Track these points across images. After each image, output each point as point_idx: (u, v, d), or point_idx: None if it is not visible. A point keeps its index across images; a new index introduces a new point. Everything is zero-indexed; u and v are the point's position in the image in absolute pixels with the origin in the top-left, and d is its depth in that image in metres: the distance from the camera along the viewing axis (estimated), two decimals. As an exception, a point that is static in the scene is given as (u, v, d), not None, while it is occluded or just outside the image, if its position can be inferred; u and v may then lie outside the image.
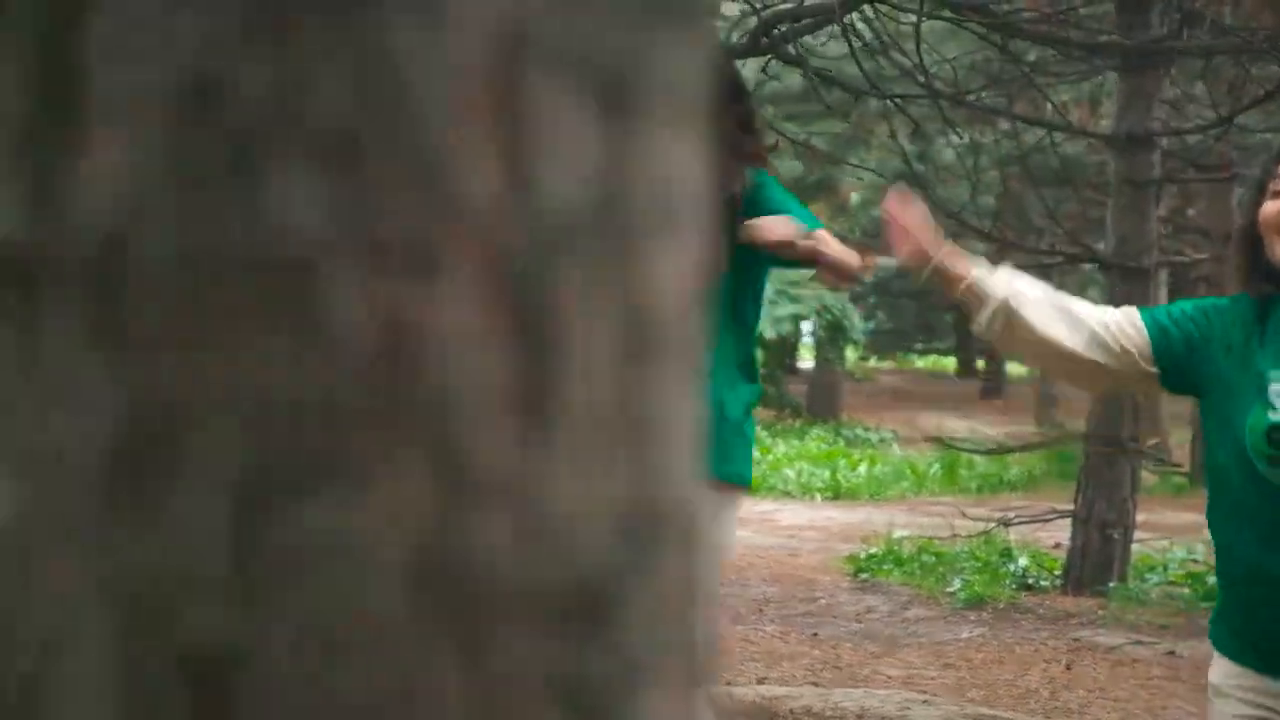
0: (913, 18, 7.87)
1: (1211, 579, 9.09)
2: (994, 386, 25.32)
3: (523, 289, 0.49)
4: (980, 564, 9.75)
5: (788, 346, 21.74)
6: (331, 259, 0.47)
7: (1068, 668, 7.50)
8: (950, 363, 29.83)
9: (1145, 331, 3.28)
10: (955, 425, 18.95)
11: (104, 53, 0.48)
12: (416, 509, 0.48)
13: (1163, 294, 15.31)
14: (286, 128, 0.47)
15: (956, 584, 9.18)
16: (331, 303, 0.47)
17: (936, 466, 15.79)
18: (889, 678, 6.92)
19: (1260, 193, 3.22)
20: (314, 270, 0.47)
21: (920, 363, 31.91)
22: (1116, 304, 3.39)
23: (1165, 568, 10.16)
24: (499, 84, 0.48)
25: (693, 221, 0.53)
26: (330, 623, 0.47)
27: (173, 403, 0.47)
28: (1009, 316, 3.08)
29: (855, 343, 21.79)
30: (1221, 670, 3.34)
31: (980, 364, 26.52)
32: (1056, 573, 9.82)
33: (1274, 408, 3.11)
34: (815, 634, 7.74)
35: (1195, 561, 9.95)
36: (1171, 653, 7.88)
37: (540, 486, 0.49)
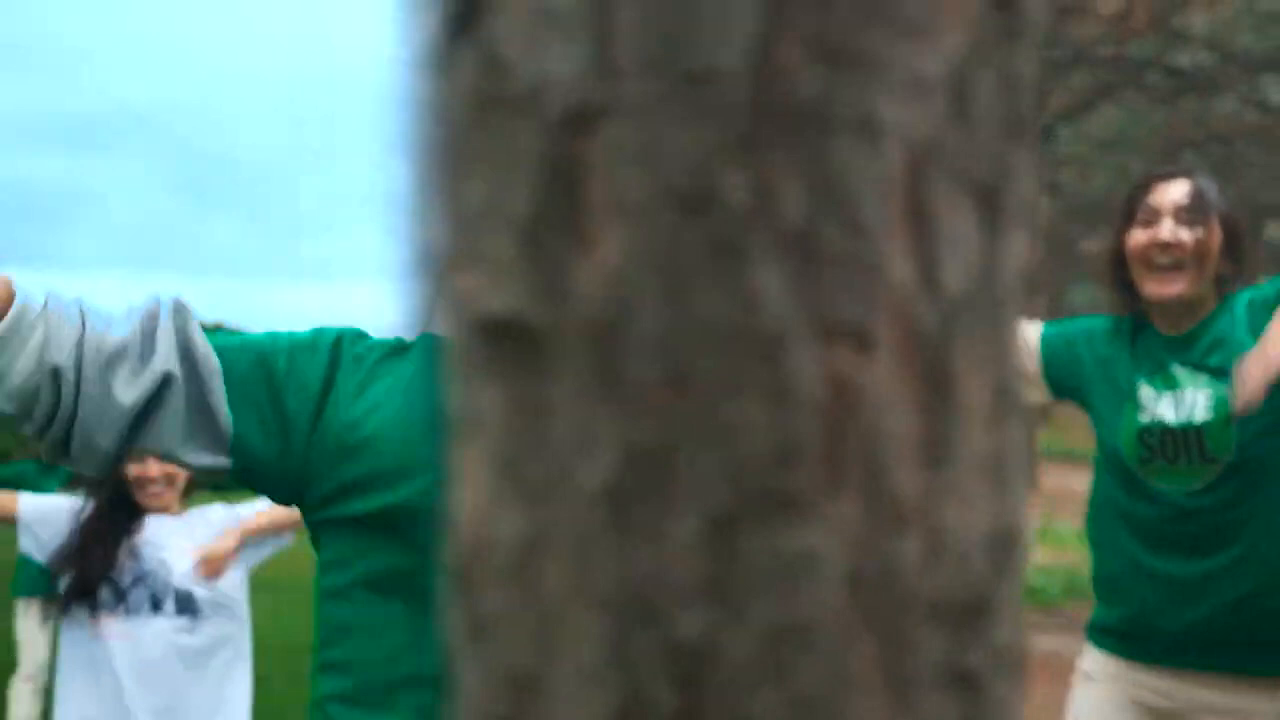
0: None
1: (1034, 583, 9.46)
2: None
3: (930, 358, 0.61)
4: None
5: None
6: (794, 333, 0.59)
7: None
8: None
9: (1038, 347, 3.56)
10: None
11: (610, 160, 0.59)
12: (853, 531, 0.60)
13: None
14: (759, 228, 0.59)
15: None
16: (793, 368, 0.59)
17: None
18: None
19: (1128, 220, 3.45)
20: (781, 342, 0.59)
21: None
22: None
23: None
24: (914, 191, 0.61)
25: (1020, 307, 0.66)
26: (786, 624, 0.59)
27: (664, 445, 0.59)
28: None
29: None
30: (1091, 659, 3.59)
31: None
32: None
33: (1143, 409, 3.34)
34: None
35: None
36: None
37: (941, 513, 0.61)
